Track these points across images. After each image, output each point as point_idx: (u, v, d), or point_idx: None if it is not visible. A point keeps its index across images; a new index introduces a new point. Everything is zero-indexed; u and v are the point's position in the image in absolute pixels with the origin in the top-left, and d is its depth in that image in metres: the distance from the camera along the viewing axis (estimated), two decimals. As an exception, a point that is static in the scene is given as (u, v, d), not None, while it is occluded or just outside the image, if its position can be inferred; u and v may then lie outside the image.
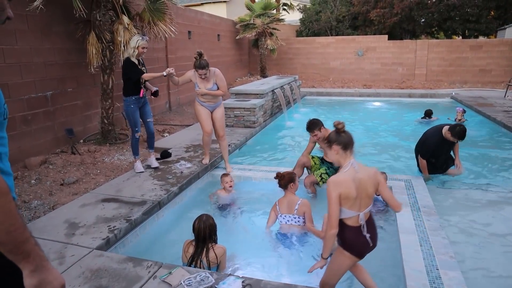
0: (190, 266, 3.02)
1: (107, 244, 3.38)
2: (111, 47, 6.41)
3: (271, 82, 10.05)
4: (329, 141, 2.45)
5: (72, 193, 4.64)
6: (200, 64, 4.85)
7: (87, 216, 3.83)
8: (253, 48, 16.85)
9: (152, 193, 4.38)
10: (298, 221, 3.74)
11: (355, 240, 2.46)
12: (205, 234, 3.06)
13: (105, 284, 2.71)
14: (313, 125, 4.72)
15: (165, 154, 5.75)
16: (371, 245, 2.51)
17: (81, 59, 6.48)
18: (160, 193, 4.37)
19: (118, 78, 7.52)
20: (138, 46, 4.83)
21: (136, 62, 4.92)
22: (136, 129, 5.09)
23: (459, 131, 4.78)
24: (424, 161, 5.06)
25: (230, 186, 4.63)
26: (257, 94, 8.49)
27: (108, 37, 6.28)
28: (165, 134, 7.68)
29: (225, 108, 7.88)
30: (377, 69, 16.28)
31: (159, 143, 6.84)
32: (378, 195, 4.40)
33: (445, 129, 4.92)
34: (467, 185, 4.99)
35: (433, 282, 2.80)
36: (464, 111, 8.61)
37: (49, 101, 6.07)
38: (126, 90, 4.97)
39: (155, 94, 5.17)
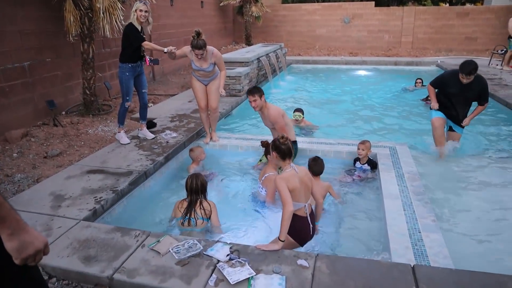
0: (184, 217, 3.28)
1: (94, 215, 3.37)
2: (90, 14, 6.15)
3: (256, 50, 9.88)
4: (271, 147, 2.92)
5: (56, 165, 4.58)
6: (197, 44, 4.68)
7: (73, 188, 3.79)
8: (237, 16, 16.44)
9: (138, 163, 4.34)
10: (261, 191, 3.90)
11: (303, 228, 2.85)
12: (197, 188, 3.35)
13: (93, 254, 2.72)
14: (255, 89, 4.50)
15: (150, 124, 5.66)
16: (311, 233, 2.92)
17: (59, 27, 6.22)
18: (146, 163, 4.34)
19: (98, 47, 7.31)
20: (136, 9, 4.68)
21: (139, 27, 4.76)
22: (127, 97, 4.95)
23: (462, 63, 4.58)
24: (432, 88, 5.00)
25: (203, 159, 4.70)
26: (242, 62, 8.35)
27: (86, 4, 6.01)
28: (150, 104, 7.55)
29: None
30: (363, 37, 16.13)
31: (144, 113, 6.73)
32: (364, 164, 4.47)
33: None
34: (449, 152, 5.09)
35: (415, 245, 2.89)
36: (421, 81, 9.05)
37: (27, 72, 5.86)
38: (124, 56, 4.81)
39: (155, 61, 5.06)
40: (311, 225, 2.89)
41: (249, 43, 15.76)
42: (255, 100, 4.41)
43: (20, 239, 1.23)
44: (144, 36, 4.85)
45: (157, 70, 10.16)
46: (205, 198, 3.44)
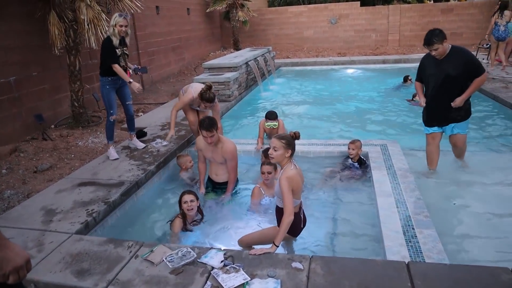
0: None
1: (87, 228, 3.34)
2: (75, 26, 6.12)
3: (244, 54, 9.89)
4: (288, 144, 2.81)
5: (47, 179, 4.53)
6: (209, 98, 4.68)
7: (64, 201, 3.74)
8: (224, 21, 16.47)
9: (129, 173, 4.31)
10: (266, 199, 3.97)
11: (297, 223, 2.91)
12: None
13: (86, 267, 2.68)
14: (212, 122, 3.89)
15: (140, 134, 5.64)
16: (302, 226, 3.04)
17: (44, 41, 6.17)
18: (137, 173, 4.31)
19: (85, 59, 7.27)
20: (116, 24, 4.58)
21: (117, 41, 4.66)
22: (111, 111, 4.84)
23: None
24: (418, 84, 4.36)
25: (191, 167, 4.65)
26: (231, 67, 8.36)
27: (70, 16, 5.98)
28: (140, 114, 7.52)
29: (198, 83, 7.78)
30: (350, 37, 16.24)
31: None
32: (355, 162, 4.48)
33: None
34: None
35: (409, 241, 2.90)
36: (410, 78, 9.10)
37: (13, 87, 5.80)
38: (103, 69, 4.74)
39: (143, 70, 5.00)
40: (302, 217, 3.01)
41: (237, 48, 15.78)
42: (212, 136, 3.89)
43: (0, 255, 1.22)
44: (124, 48, 4.81)
45: (146, 78, 10.12)
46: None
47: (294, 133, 2.85)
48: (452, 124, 4.17)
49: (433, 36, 3.77)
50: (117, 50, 4.68)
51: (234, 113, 7.61)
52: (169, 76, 11.60)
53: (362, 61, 13.07)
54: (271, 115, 5.24)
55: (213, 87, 4.86)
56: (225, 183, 4.20)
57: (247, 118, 7.33)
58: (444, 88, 3.99)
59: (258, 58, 9.96)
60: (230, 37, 16.63)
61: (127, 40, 4.87)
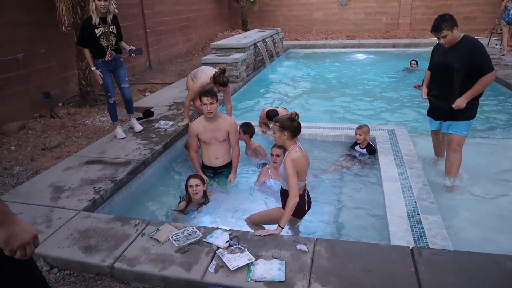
0: None
1: (94, 206, 3.38)
2: (82, 3, 6.04)
3: (252, 35, 9.77)
4: (282, 127, 2.83)
5: (55, 157, 4.57)
6: (223, 82, 4.57)
7: (72, 179, 3.78)
8: (233, 1, 16.19)
9: (136, 152, 4.33)
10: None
11: (301, 205, 2.92)
12: None
13: (94, 244, 2.73)
14: (212, 90, 4.14)
15: (147, 113, 5.64)
16: (306, 208, 3.07)
17: (51, 17, 6.12)
18: (144, 152, 4.32)
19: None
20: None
21: (97, 19, 4.37)
22: (109, 94, 4.69)
23: None
24: (428, 73, 3.91)
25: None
26: (239, 48, 8.26)
27: (77, -8, 5.91)
28: (147, 93, 7.51)
29: (206, 64, 7.72)
30: (360, 19, 15.92)
31: (141, 102, 6.70)
32: (363, 148, 4.46)
33: None
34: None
35: (414, 227, 2.90)
36: (416, 62, 8.95)
37: (21, 64, 5.79)
38: (91, 52, 4.52)
39: (138, 52, 4.78)
40: (306, 199, 3.03)
41: (245, 29, 15.58)
42: (212, 103, 3.91)
43: (8, 231, 1.24)
44: (111, 27, 4.51)
45: (154, 58, 10.06)
46: None
47: (291, 114, 2.86)
48: (449, 122, 3.70)
49: (442, 22, 3.36)
50: (96, 30, 4.41)
51: (242, 95, 7.57)
52: (177, 56, 11.52)
53: (371, 45, 12.86)
54: (269, 116, 4.85)
55: (218, 66, 4.79)
56: (226, 166, 4.18)
57: (254, 100, 7.29)
58: (445, 82, 3.57)
59: (266, 40, 9.84)
60: (238, 17, 16.40)
61: (109, 18, 4.51)
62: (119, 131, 4.84)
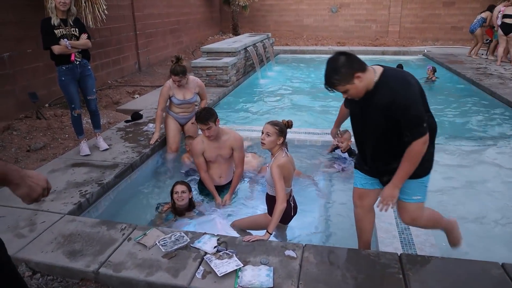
0: None
1: (79, 209, 3.32)
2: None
3: (243, 40, 9.78)
4: (281, 131, 2.81)
5: (40, 159, 4.48)
6: (175, 70, 4.26)
7: (57, 181, 3.71)
8: (224, 5, 16.22)
9: (123, 155, 4.28)
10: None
11: (287, 210, 2.87)
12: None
13: (78, 248, 2.67)
14: (207, 114, 3.62)
15: (136, 116, 5.59)
16: (292, 214, 3.03)
17: (39, 16, 5.98)
18: (132, 156, 4.27)
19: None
20: None
21: (56, 20, 3.91)
22: (73, 106, 4.19)
23: None
24: (341, 106, 3.14)
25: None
26: (229, 52, 8.26)
27: (67, -8, 5.80)
28: (136, 96, 7.45)
29: (196, 67, 7.69)
30: (351, 26, 16.10)
31: (130, 105, 6.64)
32: (344, 152, 4.48)
33: None
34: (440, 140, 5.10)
35: (402, 233, 2.92)
36: (434, 69, 8.71)
37: (7, 64, 5.68)
38: (52, 58, 4.05)
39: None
40: (292, 205, 3.01)
41: (236, 33, 15.59)
42: (209, 128, 3.60)
43: (27, 185, 1.37)
44: (72, 29, 4.00)
45: (143, 60, 9.99)
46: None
47: (287, 121, 2.87)
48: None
49: (333, 74, 2.19)
50: (56, 31, 3.91)
51: (231, 99, 7.55)
52: (166, 59, 11.44)
53: (361, 52, 12.96)
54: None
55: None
56: (229, 184, 3.91)
57: (245, 104, 7.27)
58: (371, 139, 2.39)
59: (257, 44, 9.86)
60: (229, 21, 16.41)
61: (70, 20, 4.03)
62: (84, 147, 4.34)
